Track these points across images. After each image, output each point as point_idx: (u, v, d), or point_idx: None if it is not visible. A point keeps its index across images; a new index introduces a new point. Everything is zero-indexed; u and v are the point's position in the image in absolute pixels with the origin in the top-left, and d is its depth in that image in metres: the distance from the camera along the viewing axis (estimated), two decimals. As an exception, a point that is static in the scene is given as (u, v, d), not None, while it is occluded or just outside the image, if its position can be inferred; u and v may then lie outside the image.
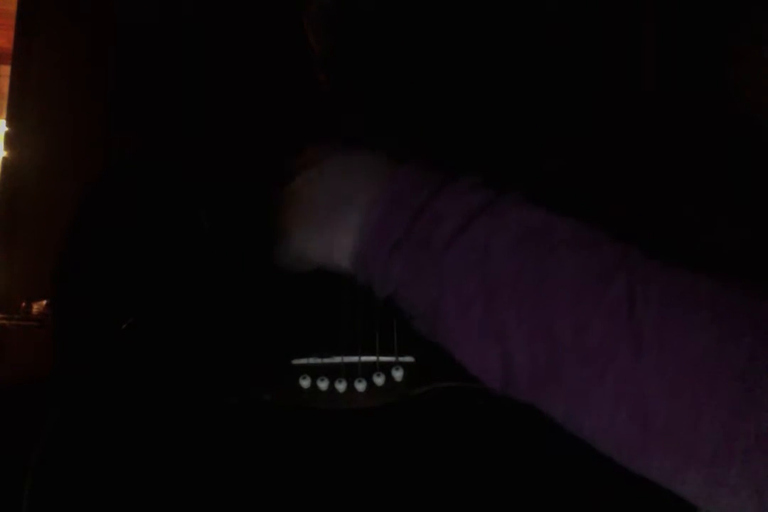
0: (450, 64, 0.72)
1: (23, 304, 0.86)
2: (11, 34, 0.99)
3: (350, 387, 0.56)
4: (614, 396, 0.35)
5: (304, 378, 0.57)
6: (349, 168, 0.49)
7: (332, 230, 0.47)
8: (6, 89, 0.99)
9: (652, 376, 0.34)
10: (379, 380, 0.56)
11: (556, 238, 0.39)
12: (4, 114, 1.00)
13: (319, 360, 0.58)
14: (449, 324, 0.41)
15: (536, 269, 0.38)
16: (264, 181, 0.66)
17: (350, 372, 0.57)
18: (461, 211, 0.41)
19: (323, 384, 0.56)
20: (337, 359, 0.57)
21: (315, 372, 0.57)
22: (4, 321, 0.87)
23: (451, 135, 0.67)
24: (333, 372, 0.57)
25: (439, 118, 0.69)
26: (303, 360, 0.58)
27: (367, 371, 0.57)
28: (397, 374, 0.56)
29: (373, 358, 0.57)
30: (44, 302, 0.85)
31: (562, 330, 0.36)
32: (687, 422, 0.33)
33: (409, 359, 0.57)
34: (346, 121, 0.67)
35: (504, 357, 0.39)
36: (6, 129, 0.97)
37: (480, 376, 0.41)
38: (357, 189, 0.46)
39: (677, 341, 0.34)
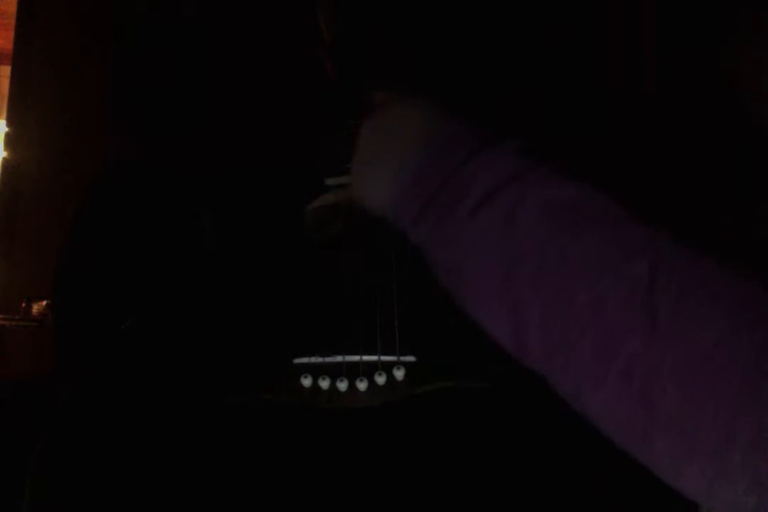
0: (452, 59, 0.72)
1: (23, 304, 0.86)
2: (11, 34, 0.99)
3: (352, 387, 0.56)
4: (623, 377, 0.35)
5: (305, 377, 0.57)
6: (405, 114, 0.50)
7: (377, 173, 0.48)
8: (6, 89, 0.99)
9: (663, 361, 0.34)
10: (380, 379, 0.56)
11: (583, 213, 0.39)
12: (4, 114, 1.00)
13: (320, 360, 0.58)
14: (468, 290, 0.42)
15: (559, 244, 0.38)
16: (263, 181, 0.66)
17: (352, 372, 0.57)
18: (492, 178, 0.42)
19: (325, 384, 0.56)
20: (339, 358, 0.57)
21: (316, 371, 0.57)
22: (4, 322, 0.87)
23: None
24: (334, 372, 0.57)
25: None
26: (304, 360, 0.58)
27: (369, 370, 0.57)
28: (399, 373, 0.56)
29: (374, 357, 0.57)
30: (44, 302, 0.85)
31: (578, 307, 0.37)
32: (692, 410, 0.33)
33: (410, 358, 0.57)
34: (351, 113, 0.67)
35: (518, 329, 0.39)
36: (6, 129, 0.97)
37: (494, 338, 0.42)
38: (405, 138, 0.47)
39: (691, 330, 0.34)
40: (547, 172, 0.42)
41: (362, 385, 0.56)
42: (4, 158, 0.96)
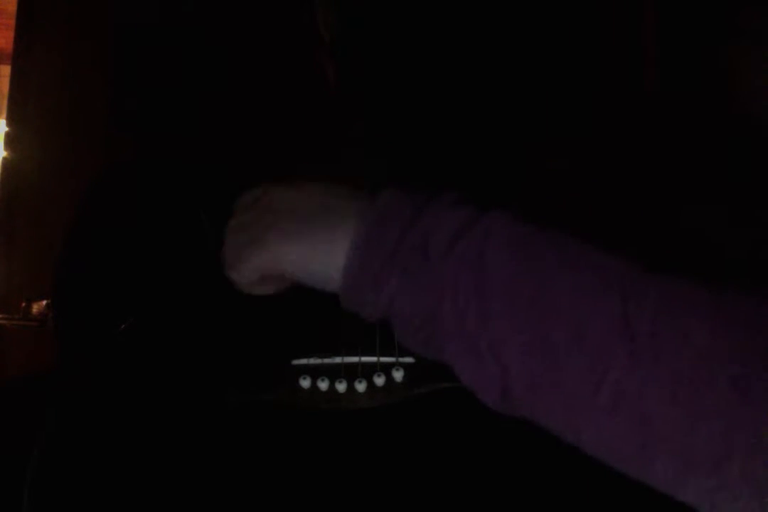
0: (453, 62, 0.72)
1: (23, 304, 0.86)
2: (11, 34, 0.99)
3: (350, 388, 0.56)
4: (612, 406, 0.35)
5: (304, 378, 0.57)
6: (330, 187, 0.48)
7: (316, 240, 0.45)
8: (6, 89, 0.99)
9: (648, 385, 0.34)
10: (379, 380, 0.56)
11: (548, 244, 0.39)
12: (4, 114, 1.00)
13: (319, 361, 0.58)
14: (445, 333, 0.41)
15: (529, 279, 0.38)
16: (263, 181, 0.66)
17: (350, 373, 0.57)
18: (453, 221, 0.42)
19: (323, 385, 0.56)
20: (338, 359, 0.57)
21: (315, 372, 0.57)
22: (4, 321, 0.87)
23: (452, 134, 0.67)
24: (333, 373, 0.57)
25: (441, 115, 0.69)
26: (303, 361, 0.58)
27: (368, 371, 0.57)
28: (398, 375, 0.56)
29: (373, 359, 0.57)
30: (44, 302, 0.85)
31: (557, 340, 0.37)
32: (685, 428, 0.33)
33: (409, 360, 0.57)
34: (351, 115, 0.67)
35: (500, 367, 0.39)
36: (6, 129, 0.97)
37: (476, 390, 0.41)
38: (342, 202, 0.46)
39: (671, 348, 0.34)
40: (500, 212, 0.41)
41: (361, 386, 0.56)
42: (4, 158, 0.96)
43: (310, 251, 0.45)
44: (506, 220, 0.41)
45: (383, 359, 0.57)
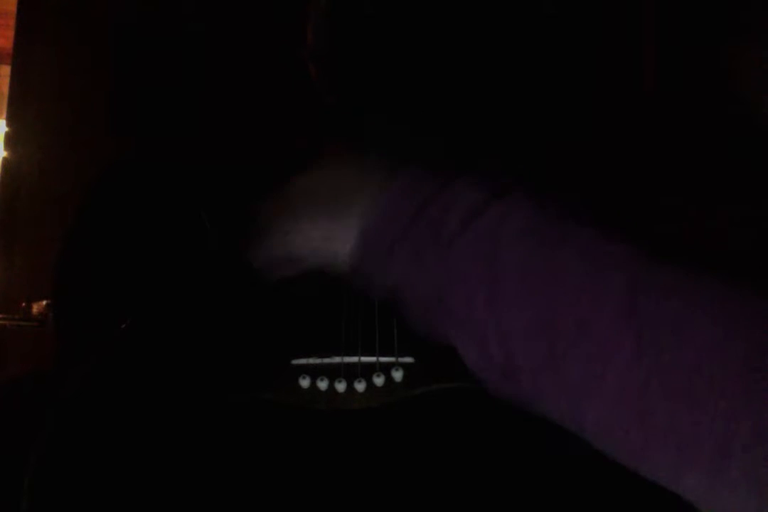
0: (449, 66, 0.72)
1: (23, 304, 0.86)
2: (11, 34, 0.99)
3: (350, 388, 0.56)
4: (615, 394, 0.35)
5: (303, 378, 0.56)
6: (351, 163, 0.49)
7: (333, 220, 0.46)
8: (6, 89, 0.99)
9: (653, 374, 0.34)
10: (378, 380, 0.56)
11: (560, 231, 0.39)
12: (4, 114, 1.00)
13: (318, 361, 0.58)
14: (452, 316, 0.41)
15: (541, 262, 0.38)
16: (263, 179, 0.66)
17: (350, 373, 0.56)
18: (470, 202, 0.41)
19: (323, 385, 0.56)
20: (337, 359, 0.57)
21: (314, 372, 0.57)
22: (4, 321, 0.87)
23: (448, 138, 0.67)
24: (333, 373, 0.57)
25: (437, 120, 0.69)
26: (302, 360, 0.58)
27: (367, 371, 0.56)
28: (397, 374, 0.56)
29: (372, 358, 0.57)
30: (44, 302, 0.86)
31: (563, 325, 0.37)
32: (687, 419, 0.33)
33: (408, 359, 0.57)
34: (342, 122, 0.67)
35: (506, 352, 0.39)
36: (6, 129, 0.98)
37: (478, 371, 0.41)
38: (362, 181, 0.46)
39: (677, 339, 0.34)
40: (518, 195, 0.41)
41: (360, 386, 0.56)
42: (4, 158, 0.96)
43: (329, 228, 0.46)
44: (524, 204, 0.41)
45: (383, 359, 0.57)
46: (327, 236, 0.46)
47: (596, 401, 0.36)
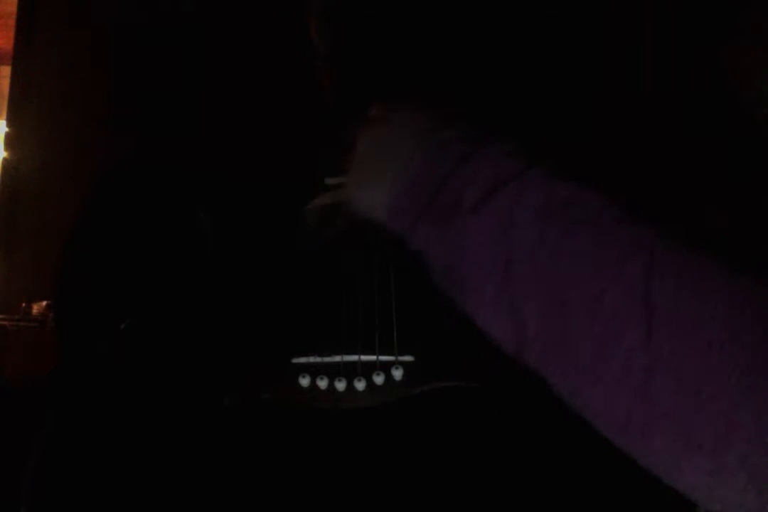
0: (450, 64, 0.72)
1: (23, 305, 0.86)
2: (11, 34, 0.99)
3: (350, 386, 0.56)
4: (622, 373, 0.35)
5: (303, 377, 0.57)
6: (400, 124, 0.51)
7: (374, 182, 0.49)
8: (6, 89, 0.99)
9: (660, 358, 0.34)
10: (378, 379, 0.56)
11: (577, 213, 0.40)
12: (4, 114, 1.00)
13: (318, 359, 0.58)
14: (467, 289, 0.42)
15: (557, 241, 0.39)
16: (262, 179, 0.66)
17: (350, 371, 0.56)
18: (490, 177, 0.43)
19: (323, 383, 0.56)
20: (337, 358, 0.57)
21: (314, 371, 0.57)
22: (5, 322, 0.87)
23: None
24: (333, 371, 0.57)
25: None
26: (303, 359, 0.58)
27: (367, 370, 0.56)
28: (397, 373, 0.56)
29: (372, 357, 0.57)
30: (44, 303, 0.86)
31: (576, 303, 0.37)
32: (690, 407, 0.33)
33: (408, 358, 0.57)
34: (347, 120, 0.67)
35: (517, 326, 0.39)
36: (6, 129, 0.98)
37: (494, 340, 0.42)
38: (400, 147, 0.48)
39: (688, 325, 0.34)
40: (542, 172, 0.42)
41: (360, 385, 0.56)
42: (4, 158, 0.96)
43: (369, 194, 0.49)
44: (540, 185, 0.41)
45: (382, 358, 0.57)
46: (372, 193, 0.49)
47: (602, 379, 0.36)
